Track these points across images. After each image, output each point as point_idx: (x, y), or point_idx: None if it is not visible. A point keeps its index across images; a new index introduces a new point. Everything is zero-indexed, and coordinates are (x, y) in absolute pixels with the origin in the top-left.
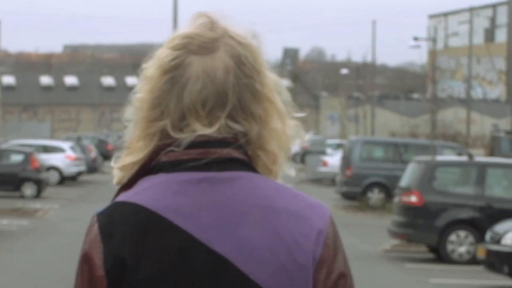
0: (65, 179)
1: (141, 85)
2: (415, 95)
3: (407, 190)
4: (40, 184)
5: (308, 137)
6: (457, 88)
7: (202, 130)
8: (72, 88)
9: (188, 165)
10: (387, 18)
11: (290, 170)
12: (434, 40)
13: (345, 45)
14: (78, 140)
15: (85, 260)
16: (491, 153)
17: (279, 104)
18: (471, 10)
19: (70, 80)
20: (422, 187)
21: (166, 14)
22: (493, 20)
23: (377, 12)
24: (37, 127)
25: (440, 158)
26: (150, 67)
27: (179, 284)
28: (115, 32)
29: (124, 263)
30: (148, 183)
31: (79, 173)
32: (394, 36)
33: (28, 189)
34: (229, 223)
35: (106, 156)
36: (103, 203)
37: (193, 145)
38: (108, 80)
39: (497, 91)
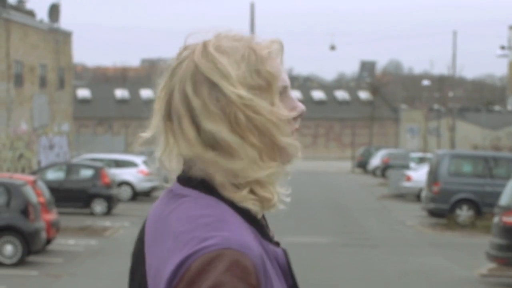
0: (138, 195)
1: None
2: (497, 107)
3: (508, 209)
4: (111, 201)
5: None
6: None
7: None
8: (147, 102)
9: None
10: (463, 30)
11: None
12: None
13: (423, 57)
14: (151, 154)
15: None
16: None
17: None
18: None
19: (146, 93)
20: None
21: (243, 26)
22: None
23: (451, 24)
24: (111, 141)
25: None
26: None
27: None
28: None
29: None
30: None
31: (153, 189)
32: (471, 48)
33: (98, 206)
34: (155, 241)
35: None
36: None
37: None
38: None
39: None
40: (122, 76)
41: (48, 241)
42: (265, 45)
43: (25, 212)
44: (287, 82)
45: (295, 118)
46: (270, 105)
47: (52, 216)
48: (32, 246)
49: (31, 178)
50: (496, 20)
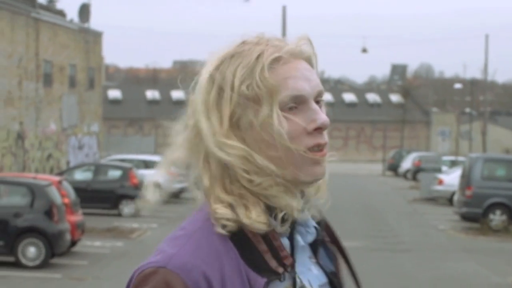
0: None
1: None
2: None
3: None
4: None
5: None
6: None
7: None
8: (178, 103)
9: None
10: (496, 34)
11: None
12: None
13: (454, 62)
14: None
15: None
16: None
17: None
18: None
19: (177, 94)
20: None
21: (276, 29)
22: None
23: (484, 29)
24: (141, 142)
25: None
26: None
27: None
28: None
29: None
30: None
31: (182, 190)
32: (503, 52)
33: (126, 207)
34: None
35: None
36: None
37: None
38: None
39: None
40: (153, 77)
41: (73, 243)
42: (276, 48)
43: (49, 213)
44: (304, 91)
45: (317, 131)
46: (256, 118)
47: (77, 217)
48: (55, 248)
49: (56, 178)
50: None
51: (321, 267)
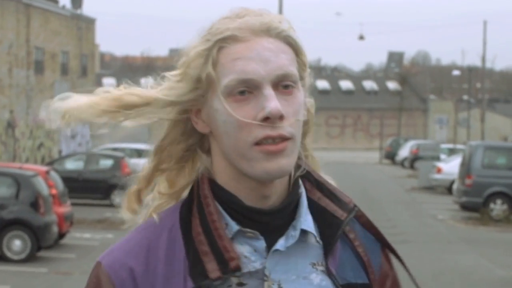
0: None
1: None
2: None
3: None
4: None
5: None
6: None
7: None
8: None
9: None
10: (493, 21)
11: None
12: None
13: (451, 49)
14: None
15: None
16: None
17: None
18: None
19: None
20: None
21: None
22: None
23: (481, 15)
24: (134, 130)
25: None
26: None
27: None
28: None
29: None
30: None
31: None
32: (500, 39)
33: (118, 197)
34: None
35: None
36: None
37: None
38: None
39: None
40: (149, 65)
41: (61, 235)
42: (237, 24)
43: (35, 204)
44: (254, 74)
45: (267, 121)
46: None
47: (65, 209)
48: (42, 241)
49: (43, 169)
50: None
51: (332, 276)
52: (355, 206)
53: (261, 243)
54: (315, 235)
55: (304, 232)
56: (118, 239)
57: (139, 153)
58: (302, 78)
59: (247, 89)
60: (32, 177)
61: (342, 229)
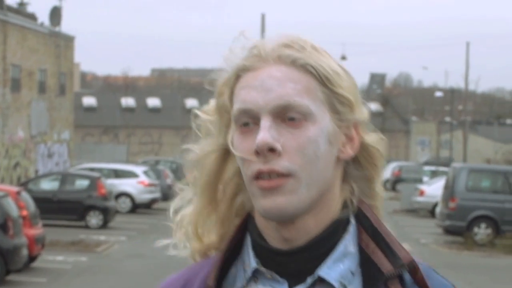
0: (138, 207)
1: None
2: (509, 121)
3: None
4: (107, 213)
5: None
6: None
7: None
8: (154, 110)
9: None
10: (475, 44)
11: None
12: None
13: (433, 71)
14: (155, 164)
15: None
16: None
17: None
18: None
19: (153, 102)
20: None
21: (255, 37)
22: None
23: (463, 38)
24: (114, 150)
25: None
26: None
27: None
28: (202, 57)
29: None
30: None
31: (153, 201)
32: (480, 62)
33: (93, 219)
34: None
35: None
36: None
37: None
38: (191, 102)
39: None
40: (131, 85)
41: (32, 258)
42: (248, 54)
43: (3, 226)
44: (251, 104)
45: (259, 155)
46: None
47: (37, 230)
48: (11, 264)
49: (14, 189)
50: (507, 34)
51: None
52: (410, 262)
53: (282, 286)
54: (335, 286)
55: (323, 281)
56: (92, 262)
57: (116, 173)
58: (336, 111)
59: (251, 120)
60: (1, 197)
61: (384, 284)
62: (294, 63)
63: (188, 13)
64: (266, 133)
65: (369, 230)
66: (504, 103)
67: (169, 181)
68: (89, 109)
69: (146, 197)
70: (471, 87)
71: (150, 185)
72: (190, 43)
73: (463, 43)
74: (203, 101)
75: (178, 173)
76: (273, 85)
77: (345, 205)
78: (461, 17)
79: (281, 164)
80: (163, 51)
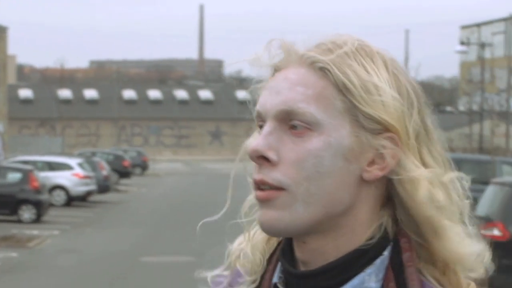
0: (73, 200)
1: None
2: (448, 108)
3: (488, 221)
4: (40, 207)
5: None
6: (491, 101)
7: None
8: (91, 102)
9: None
10: (414, 32)
11: None
12: (467, 51)
13: None
14: (91, 156)
15: None
16: None
17: None
18: (506, 20)
19: (90, 93)
20: (508, 217)
21: (193, 30)
22: None
23: (402, 27)
24: (50, 142)
25: None
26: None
27: None
28: (141, 48)
29: None
30: None
31: (89, 193)
32: (420, 49)
33: (26, 213)
34: None
35: (123, 173)
36: (111, 229)
37: None
38: (129, 93)
39: None
40: (69, 77)
41: None
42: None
43: None
44: (260, 107)
45: (254, 162)
46: None
47: None
48: None
49: None
50: (446, 22)
51: None
52: None
53: None
54: None
55: None
56: (22, 258)
57: (50, 166)
58: (362, 125)
59: (264, 124)
60: None
61: None
62: (313, 66)
63: (128, 5)
64: (261, 139)
65: (396, 267)
66: (443, 91)
67: (105, 172)
68: (26, 101)
69: (81, 189)
70: (411, 74)
71: (85, 177)
72: (129, 35)
73: (401, 31)
74: (141, 92)
75: (115, 164)
76: (284, 88)
77: (384, 234)
78: (398, 5)
79: (272, 175)
80: (102, 43)
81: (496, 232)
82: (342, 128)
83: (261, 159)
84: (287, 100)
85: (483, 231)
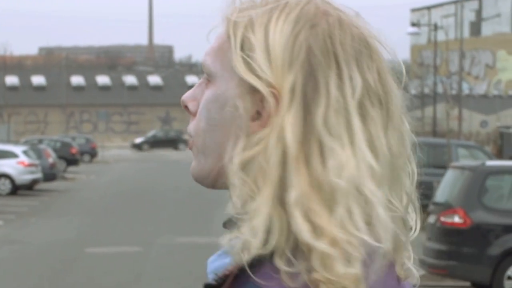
0: (19, 189)
1: None
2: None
3: (448, 208)
4: None
5: None
6: (445, 84)
7: None
8: (39, 88)
9: None
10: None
11: None
12: (418, 33)
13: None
14: (37, 144)
15: None
16: (500, 150)
17: None
18: (456, 2)
19: (37, 80)
20: (469, 203)
21: (142, 16)
22: (479, 13)
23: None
24: None
25: (491, 162)
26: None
27: None
28: (91, 34)
29: None
30: None
31: (35, 181)
32: None
33: None
34: None
35: (70, 160)
36: (58, 218)
37: None
38: (77, 80)
39: (484, 86)
40: (17, 64)
41: None
42: None
43: None
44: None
45: None
46: None
47: None
48: None
49: None
50: (396, 5)
51: None
52: None
53: None
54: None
55: None
56: None
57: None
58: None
59: None
60: None
61: None
62: (226, 19)
63: None
64: (190, 91)
65: None
66: (393, 73)
67: (51, 160)
68: None
69: (26, 178)
70: None
71: (30, 165)
72: (79, 21)
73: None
74: (89, 78)
75: (62, 151)
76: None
77: None
78: None
79: (189, 126)
80: (51, 29)
81: (456, 219)
82: (231, 81)
83: (187, 109)
84: (205, 52)
85: (443, 218)
